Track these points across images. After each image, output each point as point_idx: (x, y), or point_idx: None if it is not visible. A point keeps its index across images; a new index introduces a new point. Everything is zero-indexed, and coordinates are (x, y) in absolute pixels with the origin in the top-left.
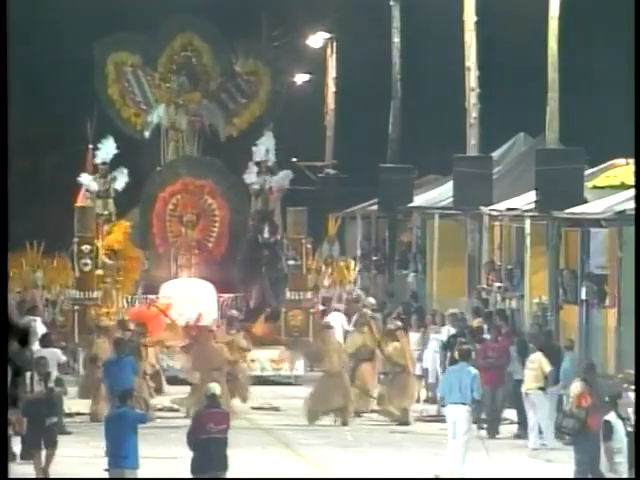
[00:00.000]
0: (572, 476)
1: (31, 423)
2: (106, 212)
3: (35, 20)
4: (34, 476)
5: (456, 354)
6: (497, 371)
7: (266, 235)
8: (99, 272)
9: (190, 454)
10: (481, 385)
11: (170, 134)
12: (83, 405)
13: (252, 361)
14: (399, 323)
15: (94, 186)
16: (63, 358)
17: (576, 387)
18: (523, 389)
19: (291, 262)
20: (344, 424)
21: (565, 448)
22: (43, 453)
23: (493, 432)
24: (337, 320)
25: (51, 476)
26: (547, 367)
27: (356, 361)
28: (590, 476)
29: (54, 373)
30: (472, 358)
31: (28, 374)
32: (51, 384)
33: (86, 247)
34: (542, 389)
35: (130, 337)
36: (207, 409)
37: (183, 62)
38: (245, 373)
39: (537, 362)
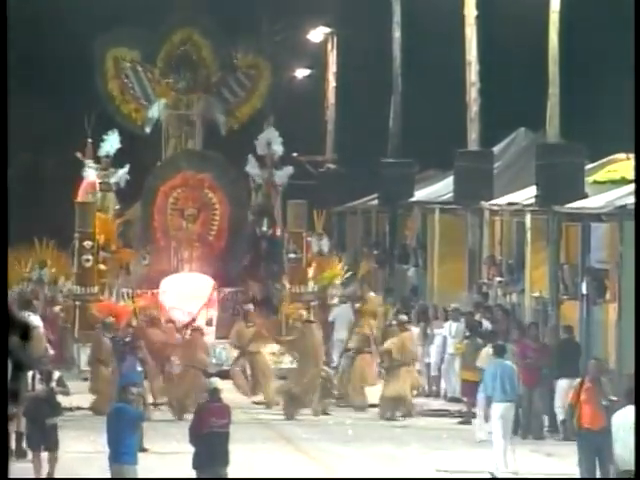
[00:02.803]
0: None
1: (31, 423)
2: (110, 206)
3: (35, 16)
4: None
5: (490, 350)
6: (535, 372)
7: (264, 228)
8: (101, 267)
9: (191, 449)
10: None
11: (171, 129)
12: (84, 399)
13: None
14: (404, 317)
15: (95, 179)
16: (50, 352)
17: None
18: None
19: (291, 255)
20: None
21: (563, 443)
22: (44, 455)
23: (539, 434)
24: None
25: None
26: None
27: (353, 354)
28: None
29: (56, 372)
30: (507, 354)
31: (30, 373)
32: (52, 383)
33: (87, 243)
34: None
35: (123, 336)
36: (209, 403)
37: (183, 57)
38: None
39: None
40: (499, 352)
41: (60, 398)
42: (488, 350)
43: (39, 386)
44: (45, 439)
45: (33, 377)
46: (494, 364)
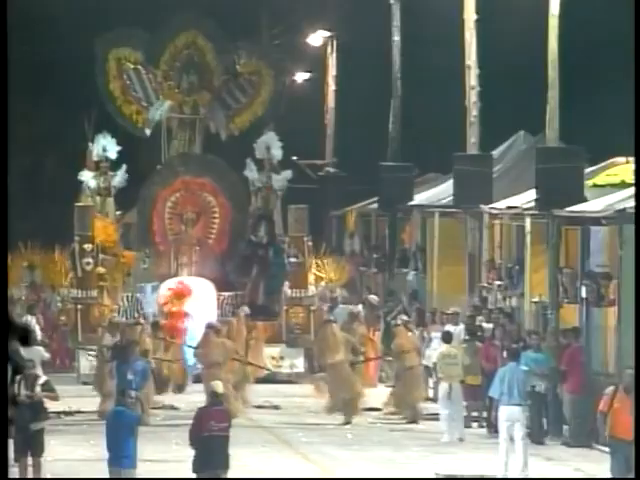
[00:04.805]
0: None
1: (16, 428)
2: (109, 211)
3: (36, 16)
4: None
5: (504, 353)
6: (583, 376)
7: (261, 234)
8: (101, 270)
9: (191, 453)
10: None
11: (172, 132)
12: (83, 403)
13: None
14: (405, 317)
15: (93, 184)
16: (46, 355)
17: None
18: (446, 383)
19: (292, 260)
20: (347, 422)
21: (563, 447)
22: (29, 460)
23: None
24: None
25: (52, 476)
26: (467, 360)
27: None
28: None
29: (41, 375)
30: (520, 358)
31: (17, 377)
32: (37, 388)
33: (87, 246)
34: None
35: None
36: (209, 407)
37: (186, 60)
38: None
39: (460, 356)
40: (513, 356)
41: (59, 403)
42: (449, 349)
43: (23, 391)
44: (30, 445)
45: (19, 382)
46: (504, 370)
